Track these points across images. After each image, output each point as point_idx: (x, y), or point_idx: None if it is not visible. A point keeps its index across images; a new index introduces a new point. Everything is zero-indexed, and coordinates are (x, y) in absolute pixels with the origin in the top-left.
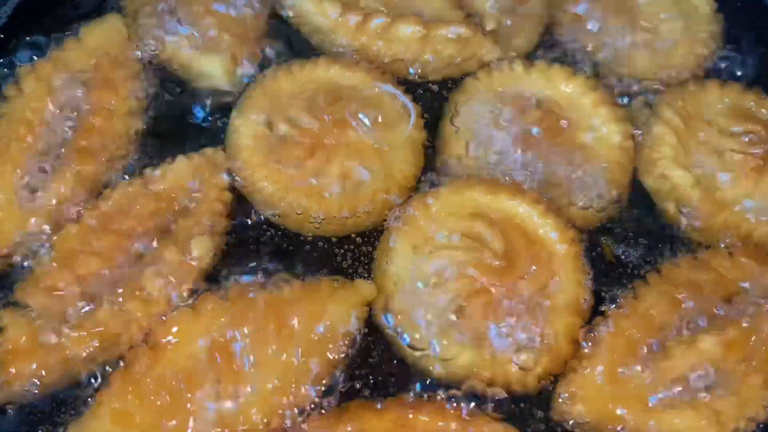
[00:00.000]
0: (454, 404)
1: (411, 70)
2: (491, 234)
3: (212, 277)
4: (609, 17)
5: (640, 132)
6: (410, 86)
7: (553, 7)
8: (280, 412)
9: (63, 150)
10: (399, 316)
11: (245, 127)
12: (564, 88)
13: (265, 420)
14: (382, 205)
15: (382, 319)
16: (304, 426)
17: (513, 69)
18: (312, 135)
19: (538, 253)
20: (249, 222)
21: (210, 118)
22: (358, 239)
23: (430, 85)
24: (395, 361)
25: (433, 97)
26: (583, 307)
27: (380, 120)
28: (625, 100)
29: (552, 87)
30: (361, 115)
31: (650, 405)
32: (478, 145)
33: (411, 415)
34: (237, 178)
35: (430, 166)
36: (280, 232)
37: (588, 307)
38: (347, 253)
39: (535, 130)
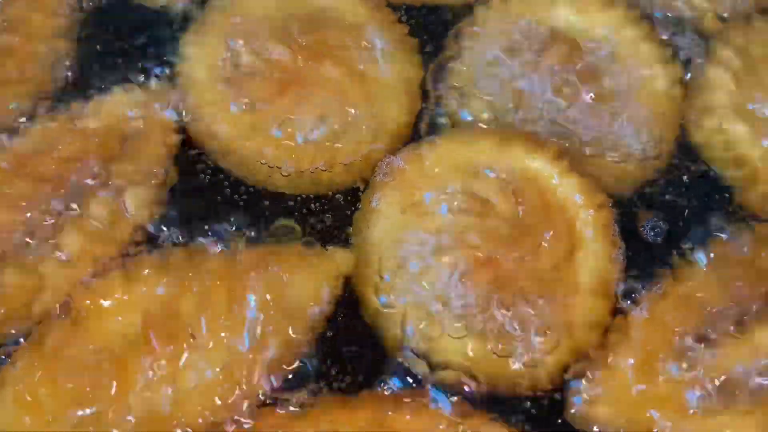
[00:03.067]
0: (439, 404)
1: None
2: (499, 194)
3: (151, 238)
4: None
5: (689, 76)
6: (407, 13)
7: None
8: (228, 403)
9: None
10: (381, 293)
11: (201, 56)
12: (598, 20)
13: (207, 413)
14: (366, 157)
15: (361, 295)
16: (259, 423)
17: None
18: (283, 68)
19: (558, 219)
20: (200, 171)
21: (156, 44)
22: (337, 198)
23: (430, 14)
24: (374, 347)
25: (434, 29)
26: (612, 287)
27: (368, 54)
28: (673, 37)
29: (584, 19)
30: (345, 47)
31: (690, 408)
32: (488, 89)
33: (389, 414)
34: (187, 117)
35: (427, 112)
36: (237, 186)
37: (618, 288)
38: (322, 215)
39: (559, 71)
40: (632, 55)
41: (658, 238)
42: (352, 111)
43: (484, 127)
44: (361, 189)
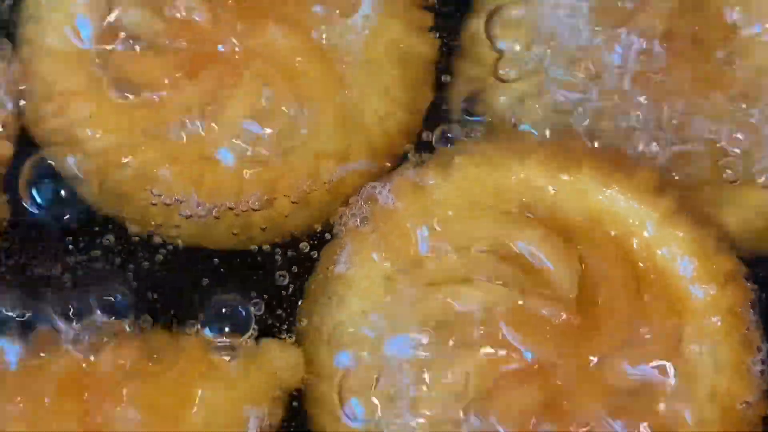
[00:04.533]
0: None
1: None
2: (556, 256)
3: None
4: None
5: None
6: None
7: None
8: None
9: None
10: (349, 412)
11: (58, 14)
12: None
13: None
14: (330, 185)
15: (315, 422)
16: None
17: None
18: (196, 34)
19: (654, 299)
20: (47, 207)
21: None
22: (277, 256)
23: None
24: None
25: None
26: (746, 410)
27: (342, 10)
28: None
29: None
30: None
31: None
32: (547, 67)
33: None
34: (29, 113)
35: (441, 112)
36: (110, 234)
37: (757, 414)
38: (252, 284)
39: (660, 44)
40: None
41: None
42: (310, 105)
43: (530, 136)
44: (318, 240)
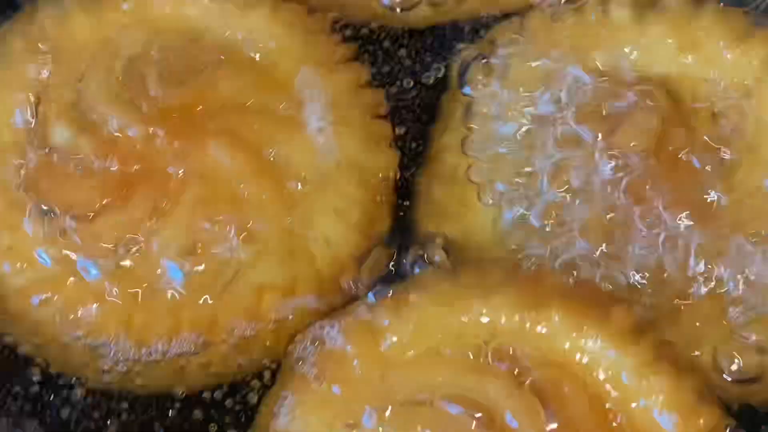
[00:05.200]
0: None
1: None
2: (522, 414)
3: None
4: None
5: None
6: (369, 44)
7: None
8: None
9: None
10: None
11: None
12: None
13: None
14: (274, 324)
15: None
16: None
17: (608, 14)
18: (128, 152)
19: None
20: None
21: None
22: (212, 401)
23: (411, 38)
24: None
25: (419, 69)
26: None
27: (293, 124)
28: None
29: (701, 58)
30: (246, 111)
31: None
32: (511, 189)
33: None
34: None
35: (401, 237)
36: (31, 382)
37: None
38: None
39: (636, 154)
40: None
41: None
42: (252, 232)
43: (497, 266)
44: (259, 387)
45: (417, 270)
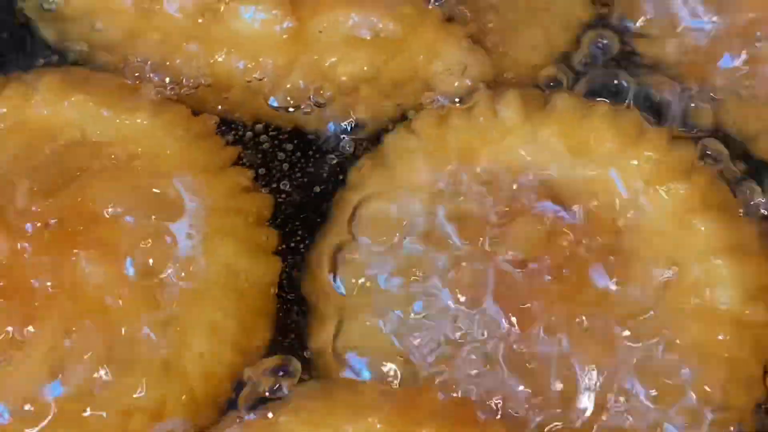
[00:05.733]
0: None
1: (272, 100)
2: None
3: None
4: None
5: None
6: (254, 147)
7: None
8: None
9: None
10: None
11: None
12: (621, 159)
13: None
14: None
15: None
16: None
17: (498, 114)
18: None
19: None
20: None
21: None
22: None
23: (300, 142)
24: None
25: (306, 178)
26: None
27: (169, 235)
28: None
29: (588, 161)
30: (119, 222)
31: None
32: (391, 307)
33: None
34: None
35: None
36: None
37: None
38: None
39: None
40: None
41: None
42: (119, 349)
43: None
44: None
45: (288, 390)
